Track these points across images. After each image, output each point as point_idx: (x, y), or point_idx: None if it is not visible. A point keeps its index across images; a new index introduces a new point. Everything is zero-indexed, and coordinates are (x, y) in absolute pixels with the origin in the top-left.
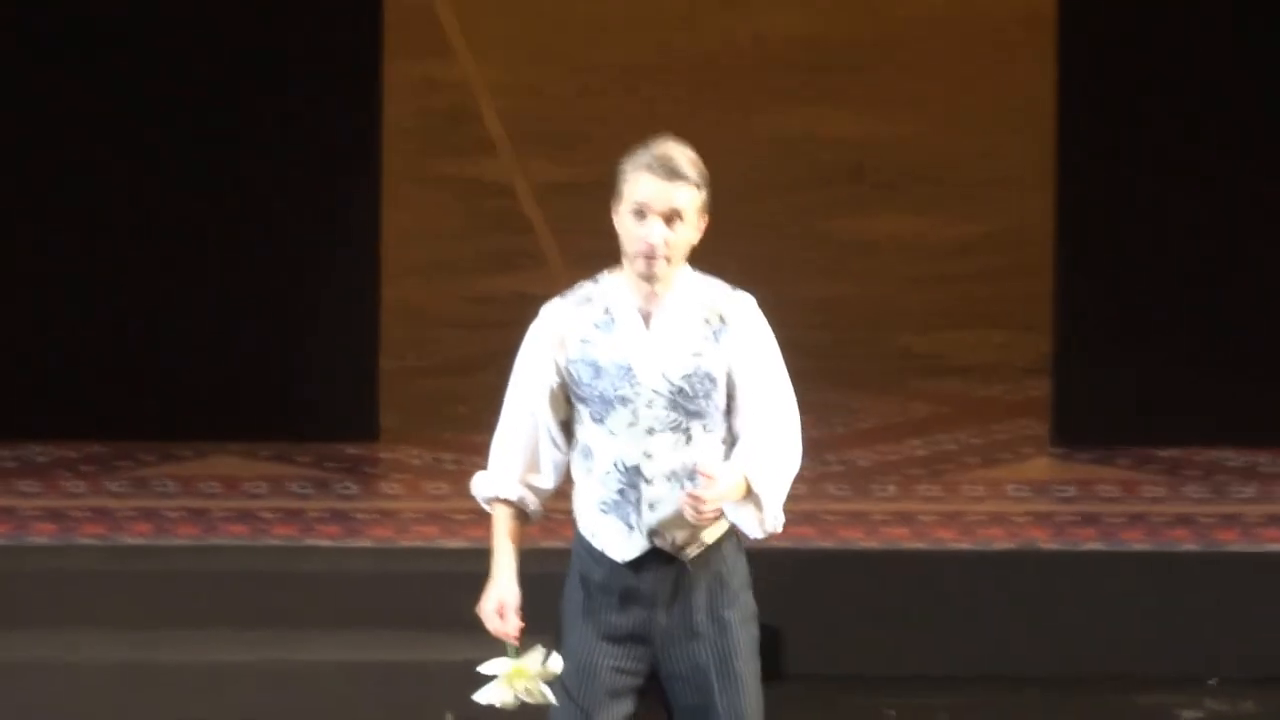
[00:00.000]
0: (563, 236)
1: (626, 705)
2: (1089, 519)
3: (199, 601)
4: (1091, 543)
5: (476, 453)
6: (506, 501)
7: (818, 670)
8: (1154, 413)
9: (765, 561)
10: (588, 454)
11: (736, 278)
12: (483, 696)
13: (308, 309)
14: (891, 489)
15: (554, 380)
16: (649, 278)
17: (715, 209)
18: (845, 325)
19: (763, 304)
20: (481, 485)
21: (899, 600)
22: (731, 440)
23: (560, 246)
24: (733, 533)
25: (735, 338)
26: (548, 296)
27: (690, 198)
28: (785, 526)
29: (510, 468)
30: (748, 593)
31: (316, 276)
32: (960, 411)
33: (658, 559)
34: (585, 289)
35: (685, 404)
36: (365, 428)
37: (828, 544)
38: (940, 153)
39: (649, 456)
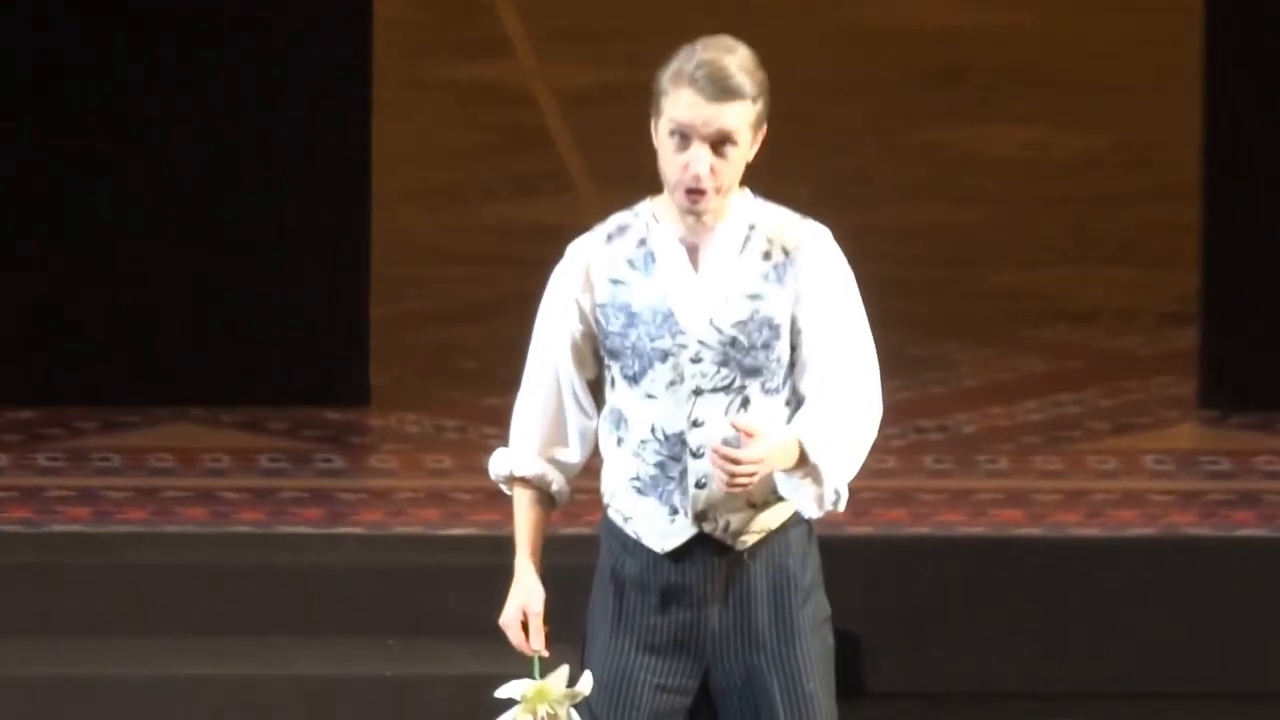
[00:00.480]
0: (593, 154)
1: None
2: (1246, 499)
3: (148, 603)
4: (1250, 528)
5: (486, 419)
6: (526, 482)
7: (909, 688)
8: None
9: (844, 551)
10: (619, 422)
11: (803, 201)
12: None
13: (281, 242)
14: (1002, 462)
15: (580, 331)
16: (693, 213)
17: (778, 118)
18: (940, 260)
19: (839, 236)
20: (497, 463)
21: (1011, 600)
22: (797, 403)
23: (590, 167)
24: (801, 517)
25: (803, 276)
26: (574, 228)
27: (743, 115)
28: (872, 510)
29: (530, 440)
30: (820, 592)
31: (291, 203)
32: (1085, 367)
33: (707, 548)
34: (619, 219)
35: (740, 358)
36: (352, 388)
37: (923, 529)
38: (1057, 49)
39: (696, 424)
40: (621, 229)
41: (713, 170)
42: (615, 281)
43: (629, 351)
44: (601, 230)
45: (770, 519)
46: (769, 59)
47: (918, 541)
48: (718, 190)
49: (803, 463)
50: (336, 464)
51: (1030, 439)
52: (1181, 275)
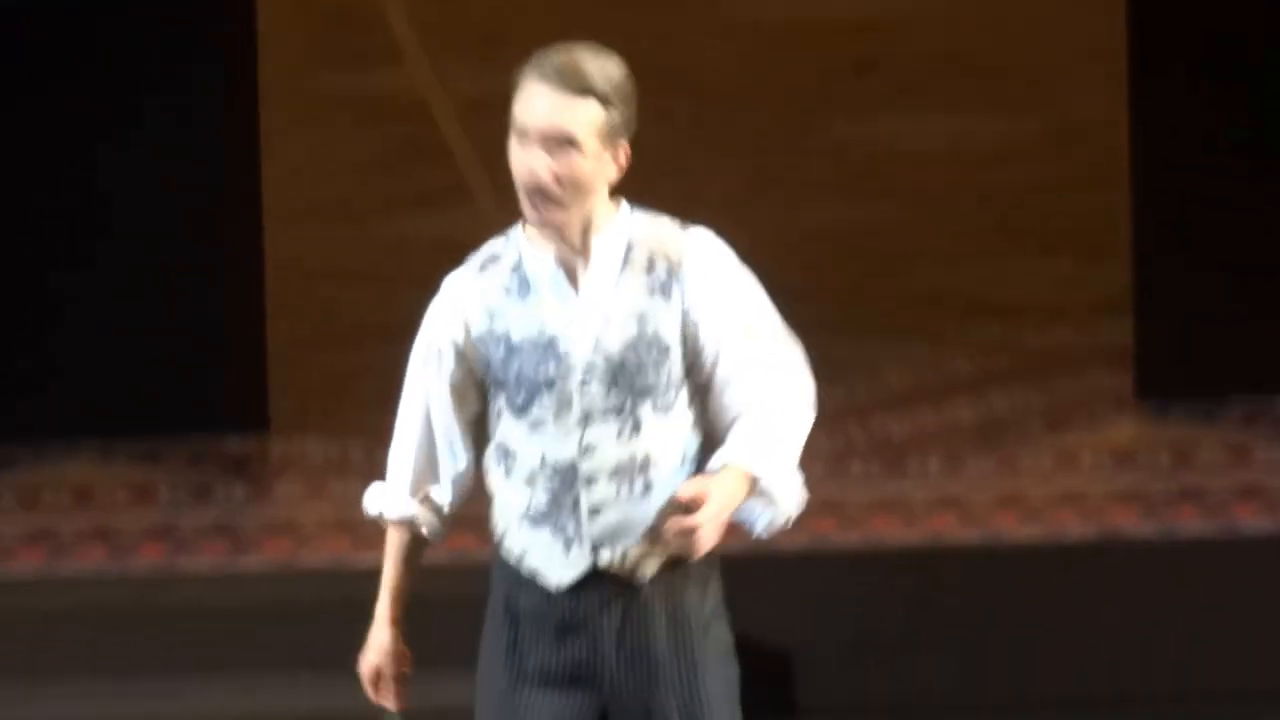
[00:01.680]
0: (494, 164)
1: None
2: (1189, 495)
3: (46, 646)
4: (1194, 525)
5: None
6: (396, 523)
7: (844, 701)
8: (1267, 355)
9: (773, 565)
10: (505, 454)
11: (712, 204)
12: None
13: (173, 268)
14: (933, 466)
15: (455, 373)
16: (536, 223)
17: (685, 117)
18: (860, 259)
19: (750, 239)
20: (369, 501)
21: (948, 609)
22: (721, 422)
23: (491, 177)
24: None
25: (690, 290)
26: (477, 242)
27: (590, 118)
28: (799, 520)
29: (401, 481)
30: (723, 622)
31: (181, 225)
32: (1016, 364)
33: (603, 581)
34: (491, 246)
35: (630, 379)
36: (251, 415)
37: (854, 540)
38: (974, 32)
39: (587, 451)
40: (494, 257)
41: (552, 174)
42: (491, 314)
43: (513, 382)
44: (474, 261)
45: (668, 548)
46: (670, 55)
47: (850, 553)
48: (558, 201)
49: (755, 492)
50: (239, 495)
51: (962, 441)
52: (1113, 267)
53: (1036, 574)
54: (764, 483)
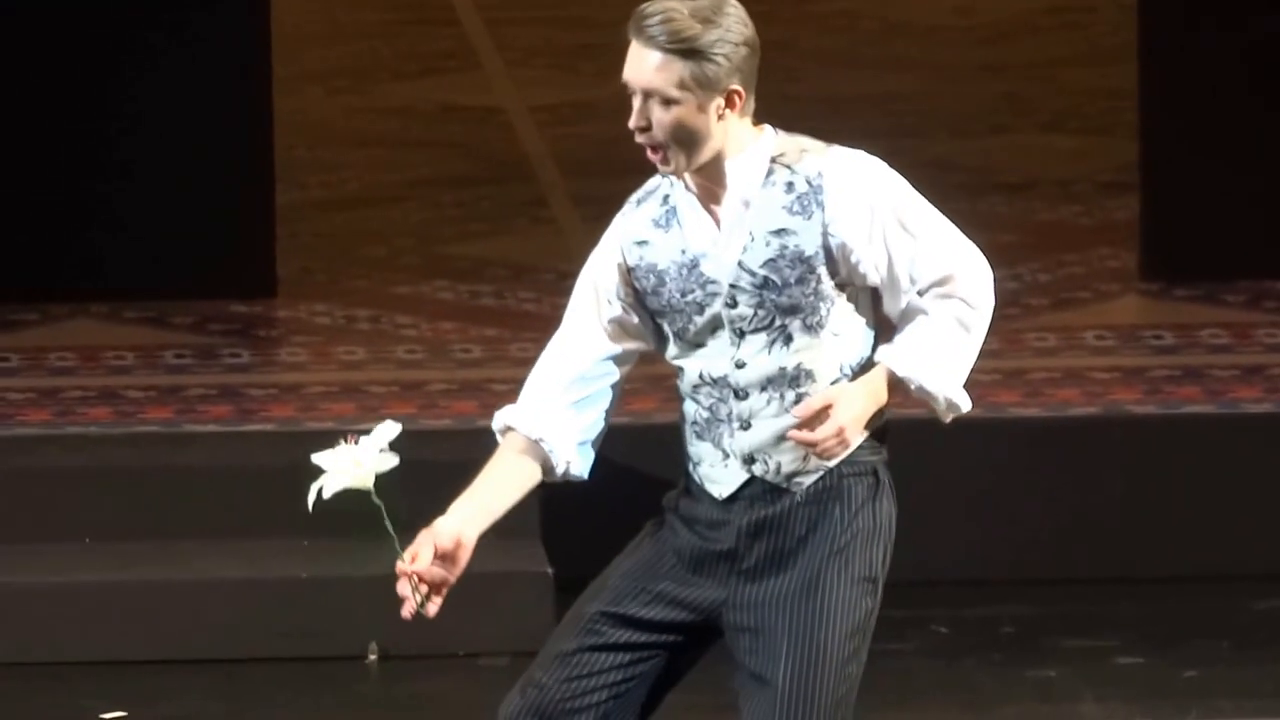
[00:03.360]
0: (499, 29)
1: (664, 643)
2: (1192, 374)
3: (52, 507)
4: (1196, 404)
5: (398, 307)
6: (524, 436)
7: None
8: (1274, 235)
9: None
10: (680, 371)
11: None
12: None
13: (179, 129)
14: None
15: (616, 298)
16: (659, 170)
17: None
18: (866, 132)
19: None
20: (499, 416)
21: (944, 485)
22: (890, 325)
23: (496, 41)
24: (874, 460)
25: (832, 203)
26: (482, 107)
27: (676, 74)
28: None
29: (538, 398)
30: (875, 549)
31: (188, 86)
32: (1020, 240)
33: (763, 495)
34: (651, 183)
35: (775, 297)
36: (258, 279)
37: None
38: None
39: (739, 365)
40: (650, 192)
41: (657, 127)
42: (640, 243)
43: (668, 309)
44: (635, 197)
45: (826, 460)
46: None
47: None
48: (665, 148)
49: (901, 388)
50: (245, 359)
51: None
52: (1120, 142)
53: (1037, 450)
54: (910, 382)
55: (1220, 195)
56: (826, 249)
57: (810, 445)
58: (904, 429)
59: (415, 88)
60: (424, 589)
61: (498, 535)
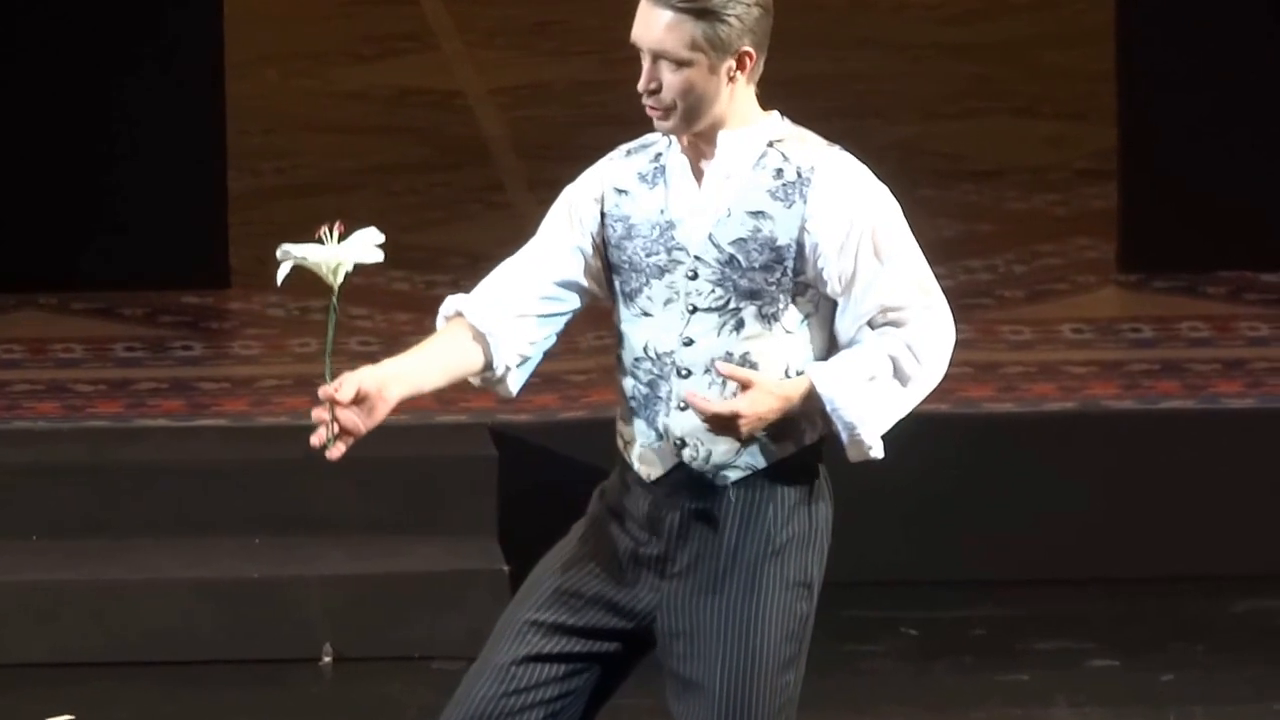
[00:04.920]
0: (461, 7)
1: (592, 663)
2: (1171, 368)
3: None
4: (1175, 400)
5: (354, 299)
6: (473, 326)
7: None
8: (1257, 226)
9: None
10: (620, 340)
11: None
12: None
13: (129, 113)
14: None
15: (587, 231)
16: (659, 130)
17: None
18: (832, 113)
19: None
20: (452, 299)
21: (919, 482)
22: (836, 342)
23: (457, 21)
24: (810, 461)
25: (816, 200)
26: (439, 91)
27: (688, 35)
28: None
29: (495, 296)
30: (808, 552)
31: (139, 70)
32: (995, 230)
33: (690, 480)
34: (647, 137)
35: (737, 278)
36: (210, 269)
37: None
38: None
39: (687, 343)
40: (644, 145)
41: (665, 88)
42: (620, 191)
43: (626, 265)
44: (626, 146)
45: (757, 458)
46: None
47: None
48: (675, 108)
49: (814, 404)
50: (196, 351)
51: None
52: (1098, 128)
53: (1013, 446)
54: (827, 403)
55: (1201, 184)
56: (799, 244)
57: (703, 413)
58: None
59: (373, 70)
60: (336, 426)
61: (451, 532)
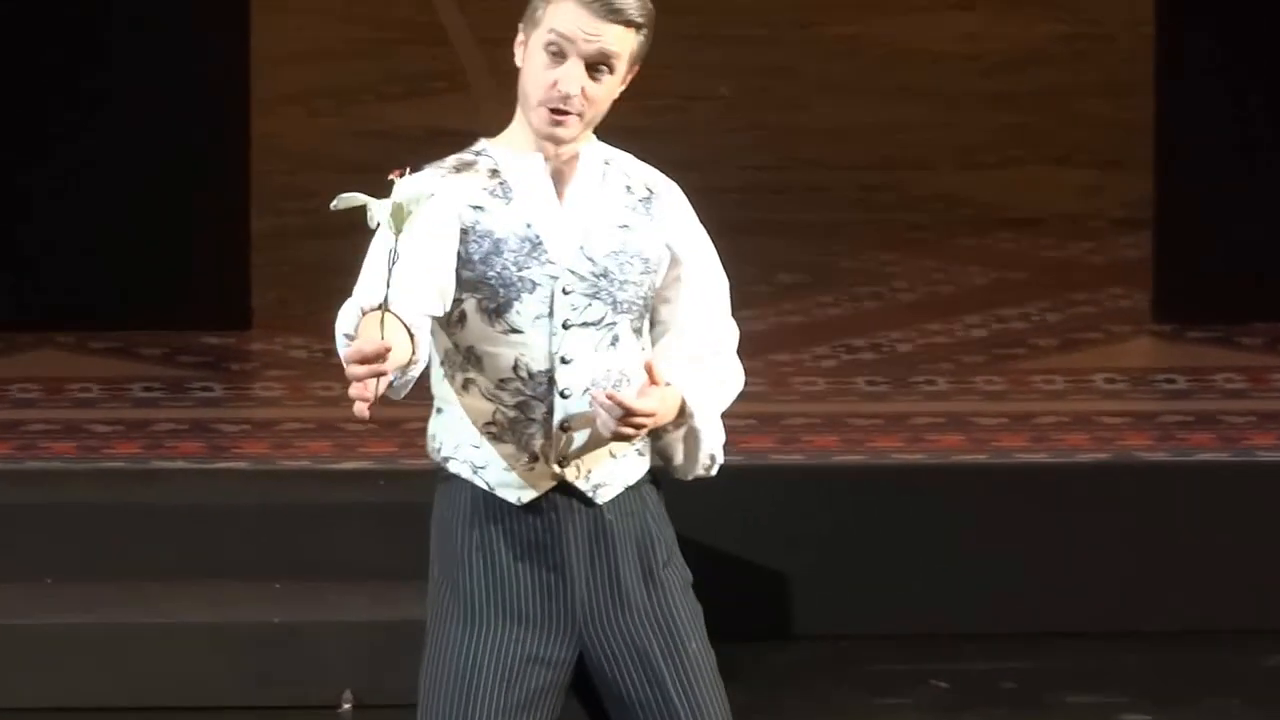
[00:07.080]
0: (492, 49)
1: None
2: (1206, 420)
3: (12, 546)
4: (1210, 452)
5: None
6: (396, 317)
7: (841, 629)
8: None
9: (771, 481)
10: (469, 362)
11: (721, 101)
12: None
13: (151, 154)
14: (941, 383)
15: (450, 227)
16: (553, 138)
17: (688, 11)
18: (871, 163)
19: (760, 138)
20: (368, 294)
21: (951, 532)
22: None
23: (490, 62)
24: (652, 476)
25: (670, 215)
26: (470, 130)
27: (626, 42)
28: (801, 436)
29: (407, 288)
30: (679, 554)
31: (162, 107)
32: (1029, 278)
33: (567, 501)
34: (459, 156)
35: (612, 291)
36: (231, 310)
37: (856, 457)
38: None
39: (565, 361)
40: (467, 164)
41: (585, 93)
42: (475, 208)
43: (492, 282)
44: (445, 165)
45: (629, 473)
46: None
47: (852, 469)
48: (582, 116)
49: (681, 424)
50: (217, 393)
51: (971, 357)
52: (1135, 177)
53: (1045, 496)
54: (695, 421)
55: (1237, 233)
56: (660, 257)
57: (613, 408)
58: (895, 474)
59: (400, 110)
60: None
61: None
